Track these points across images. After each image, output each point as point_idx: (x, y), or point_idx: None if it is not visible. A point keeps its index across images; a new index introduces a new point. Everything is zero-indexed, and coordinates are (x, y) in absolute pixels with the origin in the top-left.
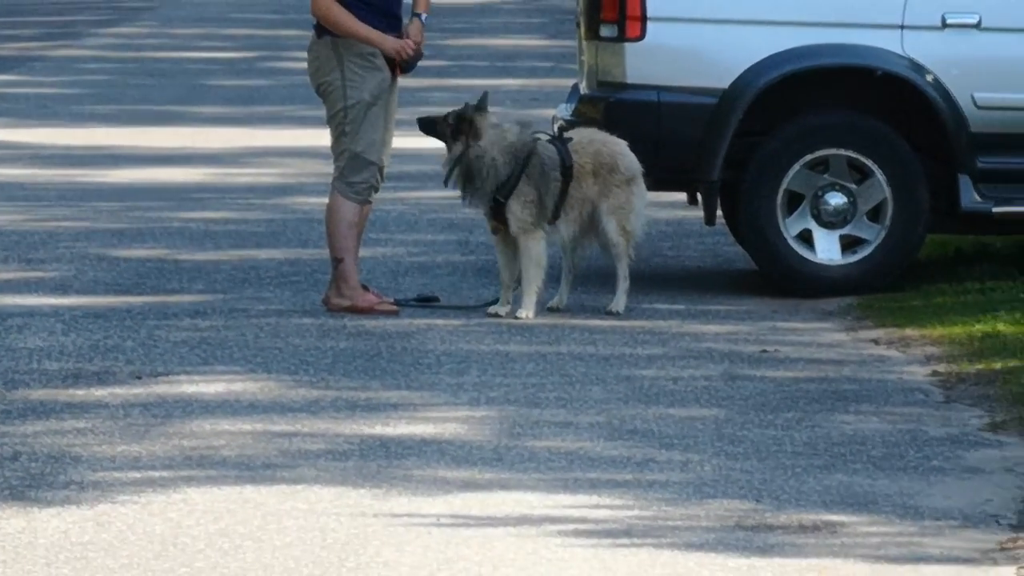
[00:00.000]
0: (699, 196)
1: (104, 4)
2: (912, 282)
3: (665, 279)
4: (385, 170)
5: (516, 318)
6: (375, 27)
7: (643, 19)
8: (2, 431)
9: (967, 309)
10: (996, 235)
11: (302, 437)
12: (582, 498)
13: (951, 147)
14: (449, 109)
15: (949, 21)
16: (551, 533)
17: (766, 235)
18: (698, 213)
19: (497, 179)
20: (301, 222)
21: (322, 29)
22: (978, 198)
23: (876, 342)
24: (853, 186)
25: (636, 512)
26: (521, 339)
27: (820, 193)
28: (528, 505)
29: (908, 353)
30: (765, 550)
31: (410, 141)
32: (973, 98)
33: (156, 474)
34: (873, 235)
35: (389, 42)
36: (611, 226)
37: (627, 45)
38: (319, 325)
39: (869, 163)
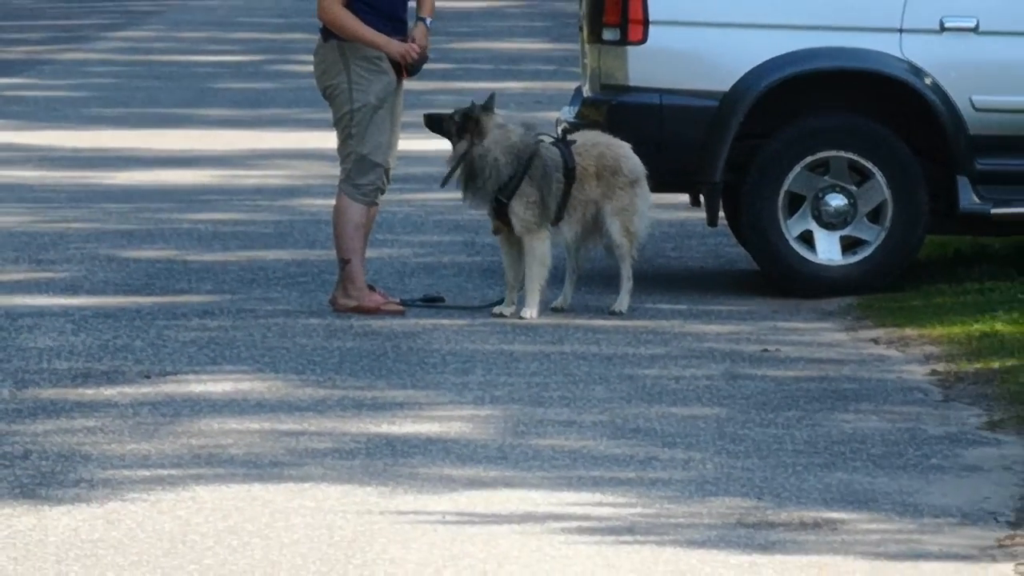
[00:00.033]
0: (701, 198)
1: (112, 8)
2: (912, 282)
3: (668, 279)
4: (391, 172)
5: (520, 318)
6: (380, 31)
7: (645, 23)
8: (13, 430)
9: (966, 309)
10: (994, 236)
11: (309, 436)
12: (586, 496)
13: (950, 149)
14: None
15: (947, 25)
16: (555, 530)
17: (767, 236)
18: (700, 214)
19: (499, 179)
20: (308, 223)
21: (328, 33)
22: (977, 200)
23: (876, 342)
24: (853, 188)
25: (639, 510)
26: (525, 339)
27: (821, 195)
28: (532, 503)
29: (907, 352)
30: (766, 547)
31: (416, 143)
32: (971, 101)
33: (165, 472)
34: (873, 236)
35: (394, 46)
36: (615, 228)
37: (629, 48)
38: (326, 325)
39: (869, 165)
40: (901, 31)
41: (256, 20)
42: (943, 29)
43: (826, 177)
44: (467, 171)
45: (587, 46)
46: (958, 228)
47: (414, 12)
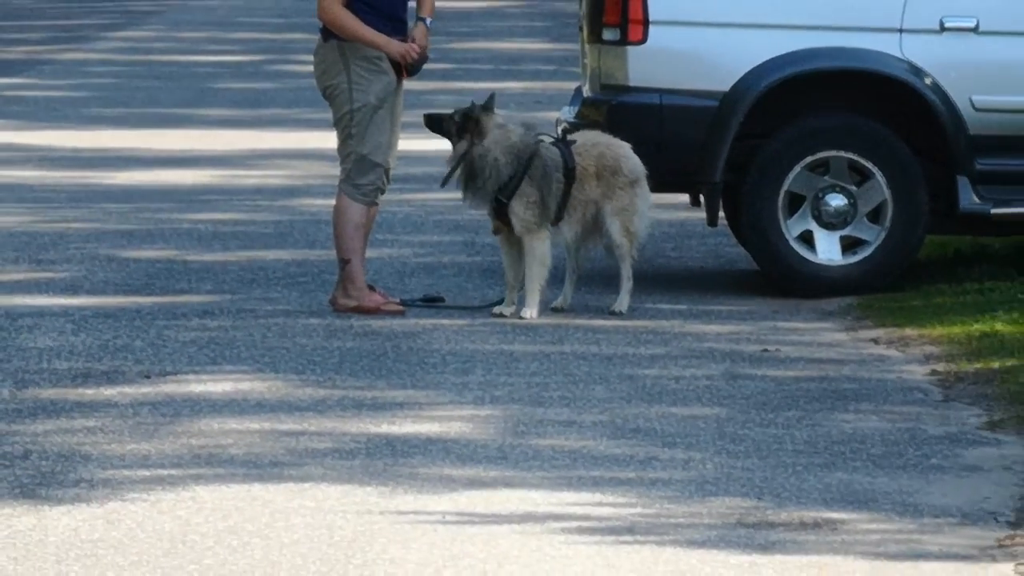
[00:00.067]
0: (701, 198)
1: (112, 8)
2: (911, 282)
3: (668, 279)
4: (391, 172)
5: (520, 318)
6: (380, 31)
7: (645, 23)
8: (13, 430)
9: (966, 309)
10: (994, 236)
11: (309, 436)
12: (586, 496)
13: (950, 149)
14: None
15: (947, 25)
16: (555, 530)
17: (767, 236)
18: (700, 215)
19: (499, 179)
20: (308, 223)
21: (328, 33)
22: (977, 199)
23: (876, 342)
24: (853, 188)
25: (639, 510)
26: (525, 339)
27: (821, 195)
28: (532, 503)
29: (907, 352)
30: (766, 547)
31: (416, 143)
32: (971, 101)
33: (165, 472)
34: (873, 236)
35: (394, 46)
36: (615, 228)
37: (629, 48)
38: (326, 325)
39: (869, 165)
40: (901, 31)
41: (256, 20)
42: (943, 29)
43: (826, 177)
44: (467, 171)
45: (587, 46)
46: (958, 228)
47: (414, 12)
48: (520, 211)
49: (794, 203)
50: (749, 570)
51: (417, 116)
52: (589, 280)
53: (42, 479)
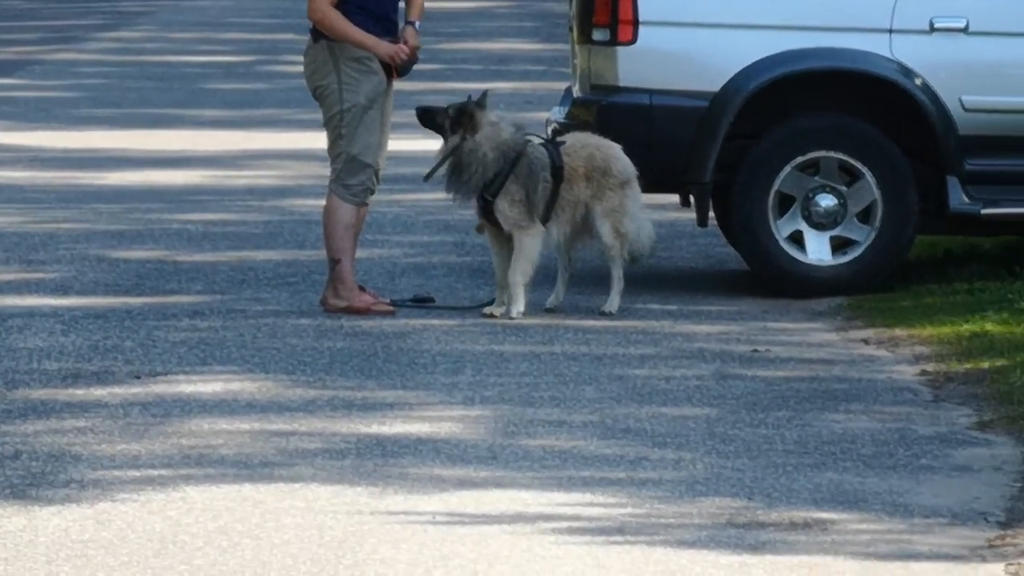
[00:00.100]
0: (691, 198)
1: (103, 8)
2: (902, 282)
3: (658, 280)
4: (381, 172)
5: (510, 318)
6: (370, 32)
7: (635, 23)
8: (3, 430)
9: (956, 309)
10: (984, 236)
11: (299, 436)
12: (576, 496)
13: (940, 150)
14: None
15: (937, 25)
16: (545, 531)
17: (758, 236)
18: (690, 215)
19: (485, 175)
20: (298, 224)
21: (318, 33)
22: (966, 200)
23: (866, 342)
24: (843, 188)
25: (629, 510)
26: (515, 339)
27: (811, 195)
28: (523, 503)
29: (897, 353)
30: (756, 547)
31: (406, 144)
32: (961, 101)
33: (155, 473)
34: (863, 236)
35: (383, 47)
36: (605, 229)
37: (619, 49)
38: (316, 325)
39: (859, 165)
40: (891, 32)
41: (247, 21)
42: (933, 30)
43: (816, 177)
44: (454, 164)
45: (577, 46)
46: (948, 228)
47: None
48: (505, 209)
49: (784, 203)
50: (739, 570)
51: (407, 116)
52: (579, 280)
53: (32, 479)
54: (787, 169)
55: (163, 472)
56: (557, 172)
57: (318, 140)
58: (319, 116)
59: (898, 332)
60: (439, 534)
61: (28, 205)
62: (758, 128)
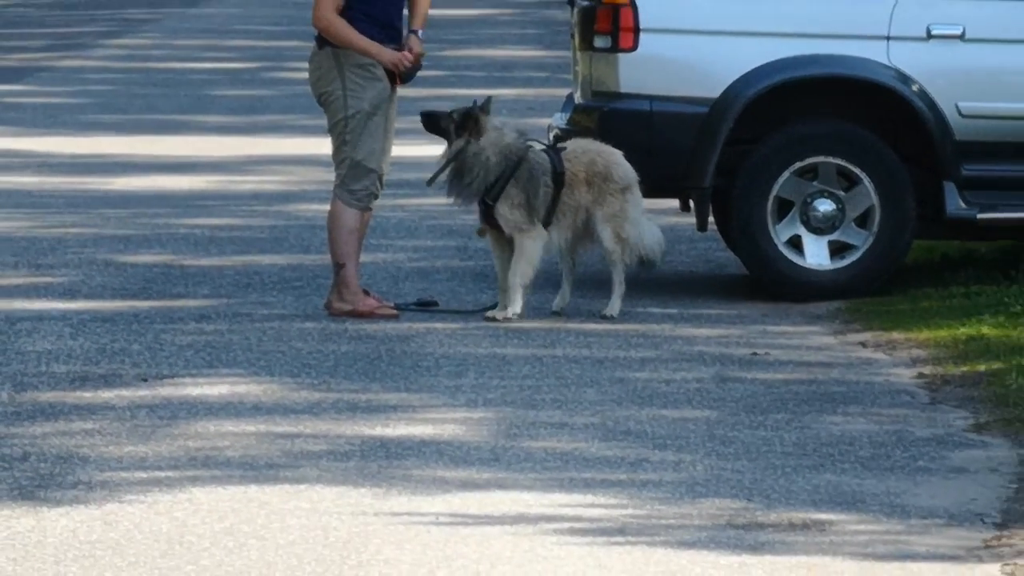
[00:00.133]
0: (691, 203)
1: (110, 16)
2: (899, 286)
3: (658, 284)
4: (385, 177)
5: (508, 319)
6: (374, 38)
7: (636, 30)
8: (12, 432)
9: (952, 313)
10: (981, 241)
11: (304, 438)
12: (577, 497)
13: (936, 155)
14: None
15: (934, 32)
16: (547, 532)
17: (757, 241)
18: (690, 219)
19: (486, 179)
20: (303, 228)
21: (323, 40)
22: (963, 205)
23: (864, 345)
24: (842, 193)
25: (630, 511)
26: (518, 342)
27: (809, 200)
28: (525, 504)
29: (895, 356)
30: (756, 548)
31: (410, 149)
32: (958, 107)
33: (162, 474)
34: (861, 241)
35: (387, 54)
36: (606, 234)
37: (620, 56)
38: (321, 329)
39: (857, 171)
40: (888, 39)
41: (252, 28)
42: (930, 36)
43: (815, 183)
44: (457, 168)
45: (578, 53)
46: (945, 233)
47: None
48: (506, 213)
49: (783, 208)
50: (739, 570)
51: (411, 122)
52: (580, 284)
53: (40, 481)
54: (786, 174)
55: (170, 473)
56: (558, 177)
57: (323, 145)
58: (324, 122)
59: (895, 335)
60: (442, 535)
61: (36, 210)
62: (757, 134)
